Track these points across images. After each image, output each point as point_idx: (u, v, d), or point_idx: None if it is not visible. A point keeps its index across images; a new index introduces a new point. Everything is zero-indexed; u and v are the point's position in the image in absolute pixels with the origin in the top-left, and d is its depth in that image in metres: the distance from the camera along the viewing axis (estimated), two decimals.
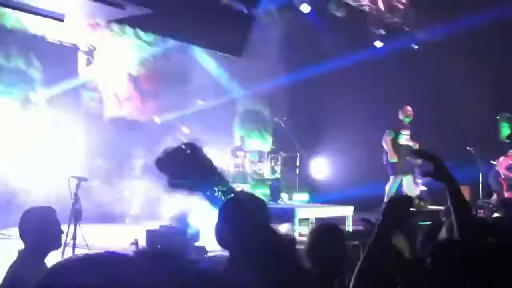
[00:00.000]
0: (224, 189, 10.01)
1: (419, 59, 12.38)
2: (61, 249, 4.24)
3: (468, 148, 9.99)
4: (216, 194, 9.95)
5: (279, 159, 11.69)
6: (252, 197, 2.82)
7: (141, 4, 9.21)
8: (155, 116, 12.14)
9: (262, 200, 2.77)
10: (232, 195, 2.98)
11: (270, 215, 2.63)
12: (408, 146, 9.77)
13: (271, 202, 11.00)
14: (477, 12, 10.28)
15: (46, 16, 9.48)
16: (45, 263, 3.14)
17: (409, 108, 9.93)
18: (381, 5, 12.42)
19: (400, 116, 9.93)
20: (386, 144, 9.78)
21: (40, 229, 3.27)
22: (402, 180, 9.87)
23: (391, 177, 9.79)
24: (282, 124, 11.92)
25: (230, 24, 10.85)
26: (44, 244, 3.30)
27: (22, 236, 3.32)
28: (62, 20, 9.40)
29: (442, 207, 9.25)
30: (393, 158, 9.68)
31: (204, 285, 2.30)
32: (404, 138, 9.85)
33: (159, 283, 1.14)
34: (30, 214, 3.41)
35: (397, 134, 9.83)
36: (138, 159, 11.05)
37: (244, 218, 2.50)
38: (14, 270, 3.23)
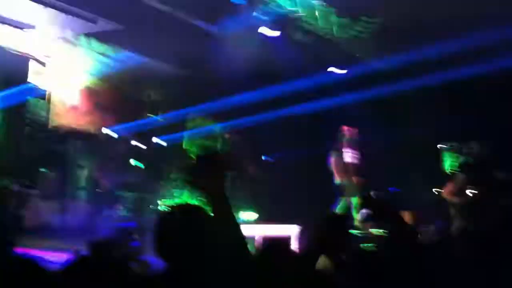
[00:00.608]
0: (168, 204, 9.99)
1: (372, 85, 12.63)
2: None
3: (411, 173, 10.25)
4: (159, 207, 9.88)
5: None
6: (187, 208, 2.73)
7: (112, 19, 9.20)
8: (106, 128, 11.96)
9: (198, 211, 2.61)
10: (168, 208, 2.92)
11: (207, 226, 2.52)
12: (354, 164, 9.91)
13: None
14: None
15: (16, 27, 9.40)
16: None
17: (345, 127, 10.14)
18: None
19: (341, 136, 10.10)
20: (332, 165, 9.92)
21: None
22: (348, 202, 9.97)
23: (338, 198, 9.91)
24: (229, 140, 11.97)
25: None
26: None
27: None
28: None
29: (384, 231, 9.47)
30: (337, 180, 9.82)
31: None
32: (348, 156, 9.98)
33: None
34: None
35: (340, 153, 9.97)
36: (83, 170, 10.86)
37: (175, 231, 2.47)
38: None
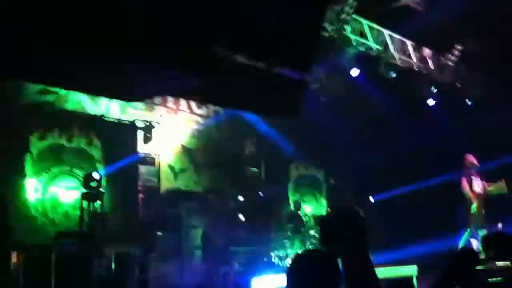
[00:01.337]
0: (280, 255, 9.97)
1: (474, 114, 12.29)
2: None
3: None
4: (273, 260, 9.93)
5: None
6: (320, 255, 2.74)
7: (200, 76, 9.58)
8: (210, 187, 12.30)
9: (331, 258, 2.57)
10: (301, 253, 2.87)
11: (339, 274, 2.48)
12: (480, 194, 9.51)
13: None
14: None
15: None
16: None
17: (469, 155, 9.74)
18: (431, 64, 12.51)
19: (468, 165, 9.72)
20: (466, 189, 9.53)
21: None
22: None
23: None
24: (335, 184, 11.92)
25: (285, 91, 11.08)
26: None
27: None
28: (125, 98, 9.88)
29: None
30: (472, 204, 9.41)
31: None
32: (476, 186, 9.58)
33: None
34: None
35: (470, 181, 9.57)
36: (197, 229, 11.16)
37: (308, 278, 2.45)
38: None
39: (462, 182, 9.61)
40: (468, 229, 9.43)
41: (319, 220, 2.68)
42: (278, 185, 13.25)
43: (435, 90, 12.65)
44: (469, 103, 12.88)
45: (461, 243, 9.38)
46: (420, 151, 12.19)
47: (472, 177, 9.65)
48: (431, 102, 12.84)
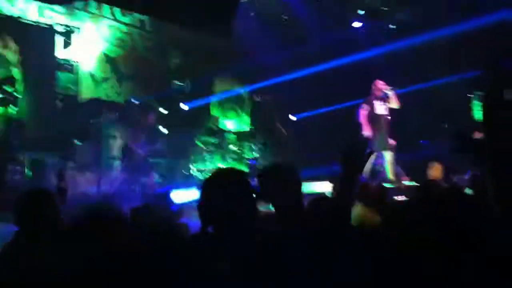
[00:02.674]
0: (201, 168, 10.13)
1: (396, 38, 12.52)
2: None
3: (442, 124, 10.20)
4: (191, 172, 10.05)
5: (258, 139, 11.82)
6: (232, 172, 2.79)
7: None
8: (132, 97, 12.10)
9: (243, 174, 2.67)
10: (214, 171, 2.93)
11: (251, 190, 2.57)
12: (385, 117, 9.88)
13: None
14: None
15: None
16: (38, 247, 3.11)
17: (377, 81, 10.05)
18: None
19: (373, 90, 10.03)
20: (361, 118, 9.91)
21: (36, 213, 3.25)
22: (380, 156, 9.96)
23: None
24: (260, 102, 12.03)
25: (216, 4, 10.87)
26: (39, 228, 3.27)
27: (17, 219, 3.30)
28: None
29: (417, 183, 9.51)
30: (366, 133, 9.81)
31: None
32: (380, 108, 9.92)
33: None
34: (23, 196, 3.38)
35: (371, 106, 9.92)
36: (116, 140, 11.04)
37: (223, 194, 2.49)
38: (5, 253, 3.23)
39: (358, 113, 9.97)
40: (375, 151, 9.85)
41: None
42: (201, 99, 13.20)
43: (362, 12, 12.75)
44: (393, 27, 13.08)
45: (366, 167, 9.78)
46: (344, 73, 12.41)
47: (376, 102, 9.97)
48: (357, 24, 12.96)
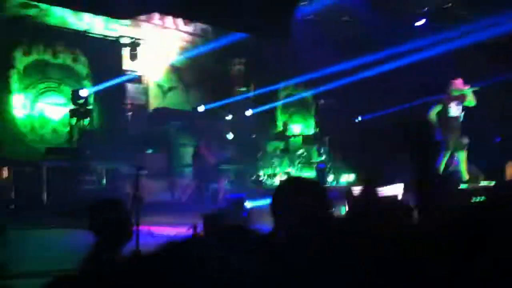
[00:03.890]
0: (270, 173, 10.08)
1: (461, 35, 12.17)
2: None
3: None
4: (261, 178, 10.02)
5: (325, 141, 11.73)
6: (305, 182, 2.75)
7: None
8: (199, 105, 12.26)
9: (317, 185, 2.63)
10: (287, 178, 2.91)
11: (326, 200, 2.50)
12: (457, 118, 9.54)
13: None
14: None
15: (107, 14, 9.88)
16: (120, 254, 3.15)
17: (457, 81, 9.67)
18: None
19: (448, 90, 9.69)
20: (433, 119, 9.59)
21: (112, 220, 3.29)
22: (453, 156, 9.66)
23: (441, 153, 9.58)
24: (325, 104, 11.93)
25: (274, 7, 10.89)
26: (116, 235, 3.32)
27: (93, 228, 3.35)
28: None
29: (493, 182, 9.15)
30: (440, 135, 9.51)
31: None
32: (454, 110, 9.58)
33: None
34: (101, 206, 3.44)
35: (446, 107, 9.57)
36: (186, 148, 11.21)
37: (295, 204, 2.45)
38: (90, 263, 3.28)
39: (429, 111, 9.63)
40: (447, 153, 9.54)
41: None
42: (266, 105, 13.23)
43: (425, 9, 12.46)
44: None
45: (440, 168, 9.49)
46: (408, 71, 12.14)
47: (451, 103, 9.61)
48: (420, 22, 12.67)
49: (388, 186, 9.31)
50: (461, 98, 9.52)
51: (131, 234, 3.42)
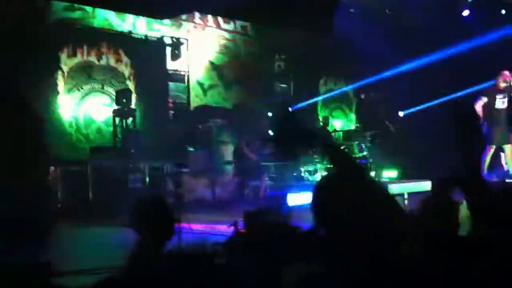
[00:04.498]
0: (310, 170, 10.03)
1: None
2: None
3: None
4: (302, 174, 9.99)
5: (366, 137, 11.63)
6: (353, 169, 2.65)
7: None
8: (239, 103, 12.32)
9: (362, 172, 2.46)
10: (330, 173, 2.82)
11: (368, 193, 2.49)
12: (504, 110, 9.29)
13: None
14: None
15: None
16: (163, 252, 3.20)
17: (506, 73, 9.40)
18: None
19: (496, 82, 9.43)
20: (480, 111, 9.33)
21: (154, 218, 3.35)
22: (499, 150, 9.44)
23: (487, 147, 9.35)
24: (366, 99, 11.83)
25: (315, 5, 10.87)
26: (158, 232, 3.37)
27: (136, 226, 3.42)
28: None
29: None
30: (486, 126, 9.28)
31: None
32: (500, 102, 9.33)
33: None
34: (143, 203, 3.51)
35: (492, 99, 9.32)
36: (227, 145, 11.30)
37: (337, 198, 2.44)
38: (135, 261, 3.35)
39: (475, 103, 9.38)
40: (493, 146, 9.31)
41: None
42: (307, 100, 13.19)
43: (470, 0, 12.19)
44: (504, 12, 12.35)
45: (486, 162, 9.25)
46: (453, 63, 11.89)
47: (498, 95, 9.35)
48: (465, 12, 12.40)
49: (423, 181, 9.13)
50: (508, 90, 9.29)
51: (173, 231, 3.48)
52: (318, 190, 2.55)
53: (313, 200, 2.52)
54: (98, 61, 10.80)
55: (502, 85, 9.30)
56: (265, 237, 3.75)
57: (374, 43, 12.49)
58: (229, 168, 10.90)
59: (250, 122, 11.17)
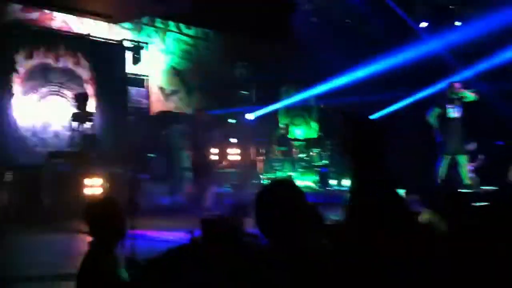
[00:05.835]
0: (271, 177, 10.04)
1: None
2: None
3: None
4: (262, 182, 9.94)
5: (327, 145, 11.71)
6: (286, 183, 2.54)
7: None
8: (201, 109, 12.26)
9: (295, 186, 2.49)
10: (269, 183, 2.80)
11: (305, 201, 2.39)
12: (457, 120, 9.48)
13: (320, 188, 11.08)
14: None
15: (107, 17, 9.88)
16: (113, 254, 3.22)
17: (456, 85, 9.62)
18: None
19: (447, 92, 9.64)
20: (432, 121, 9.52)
21: (104, 220, 3.31)
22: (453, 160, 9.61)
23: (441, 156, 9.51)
24: (327, 109, 11.92)
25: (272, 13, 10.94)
26: (108, 234, 3.33)
27: (88, 228, 3.37)
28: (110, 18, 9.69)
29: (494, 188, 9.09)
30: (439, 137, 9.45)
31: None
32: (451, 111, 9.52)
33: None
34: (94, 206, 3.46)
35: (444, 110, 9.52)
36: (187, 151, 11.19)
37: (277, 206, 2.34)
38: (84, 263, 3.31)
39: (428, 114, 9.58)
40: (447, 156, 9.46)
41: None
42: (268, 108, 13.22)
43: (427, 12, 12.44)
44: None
45: (440, 171, 9.40)
46: (409, 70, 12.11)
47: (449, 105, 9.55)
48: (423, 24, 12.65)
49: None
50: (458, 101, 9.48)
51: (123, 233, 3.43)
52: (260, 199, 2.51)
53: (255, 210, 2.48)
54: (56, 63, 10.57)
55: (451, 96, 9.51)
56: (221, 246, 3.71)
57: (334, 52, 12.62)
58: (189, 175, 10.78)
59: (212, 129, 11.10)
